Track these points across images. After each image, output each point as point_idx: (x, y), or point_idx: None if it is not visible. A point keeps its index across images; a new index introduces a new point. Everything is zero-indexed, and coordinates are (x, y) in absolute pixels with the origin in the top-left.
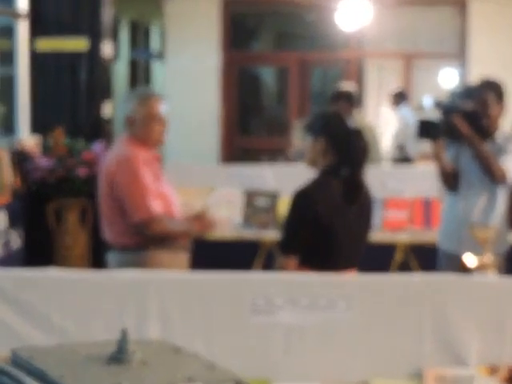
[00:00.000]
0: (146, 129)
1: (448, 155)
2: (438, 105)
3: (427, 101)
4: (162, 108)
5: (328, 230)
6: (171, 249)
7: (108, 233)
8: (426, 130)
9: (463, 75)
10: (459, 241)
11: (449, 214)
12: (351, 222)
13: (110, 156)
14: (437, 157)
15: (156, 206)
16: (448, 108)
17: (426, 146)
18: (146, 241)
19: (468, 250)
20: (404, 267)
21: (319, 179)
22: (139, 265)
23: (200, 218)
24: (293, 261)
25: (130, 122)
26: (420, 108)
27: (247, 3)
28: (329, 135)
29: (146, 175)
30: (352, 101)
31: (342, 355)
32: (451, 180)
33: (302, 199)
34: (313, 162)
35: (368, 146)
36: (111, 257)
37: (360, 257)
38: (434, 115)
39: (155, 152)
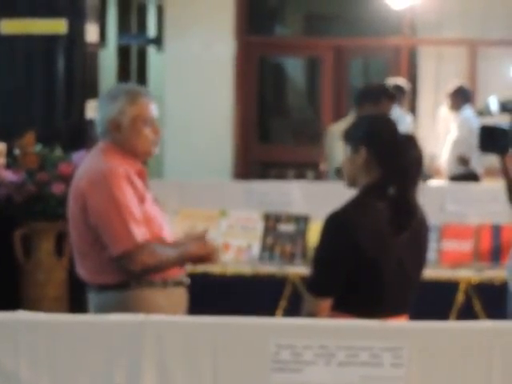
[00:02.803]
0: (134, 135)
1: None
2: (506, 107)
3: (493, 102)
4: (155, 111)
5: (371, 266)
6: (163, 285)
7: (82, 269)
8: (491, 139)
9: None
10: None
11: None
12: (401, 256)
13: (81, 170)
14: (505, 173)
15: (141, 234)
16: None
17: (495, 158)
18: (129, 277)
19: None
20: (467, 312)
21: (360, 200)
22: (124, 308)
23: (200, 240)
24: (325, 304)
25: (114, 126)
26: (486, 111)
27: None
28: (371, 145)
29: (129, 195)
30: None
31: None
32: None
33: (337, 225)
34: (352, 179)
35: (423, 158)
36: (91, 298)
37: (411, 299)
38: (502, 120)
39: (140, 165)
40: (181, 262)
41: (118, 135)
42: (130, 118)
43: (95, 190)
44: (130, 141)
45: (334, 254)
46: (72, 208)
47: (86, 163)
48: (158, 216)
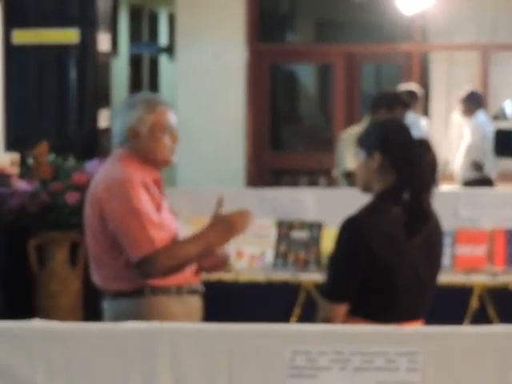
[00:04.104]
0: (153, 142)
1: None
2: None
3: (509, 106)
4: (174, 119)
5: (386, 271)
6: (178, 293)
7: (97, 276)
8: (507, 143)
9: None
10: None
11: None
12: (415, 260)
13: (98, 178)
14: None
15: (160, 238)
16: None
17: (508, 162)
18: (149, 281)
19: None
20: (481, 316)
21: (374, 206)
22: (138, 315)
23: (220, 224)
24: (340, 310)
25: (133, 134)
26: (502, 115)
27: None
28: (385, 149)
29: (145, 201)
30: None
31: None
32: None
33: (352, 230)
34: (366, 185)
35: (437, 162)
36: (105, 306)
37: (426, 304)
38: None
39: (158, 174)
40: (202, 254)
41: (137, 143)
42: (149, 126)
43: (112, 197)
44: (149, 148)
45: (350, 259)
46: (89, 215)
47: (103, 171)
48: (174, 225)
